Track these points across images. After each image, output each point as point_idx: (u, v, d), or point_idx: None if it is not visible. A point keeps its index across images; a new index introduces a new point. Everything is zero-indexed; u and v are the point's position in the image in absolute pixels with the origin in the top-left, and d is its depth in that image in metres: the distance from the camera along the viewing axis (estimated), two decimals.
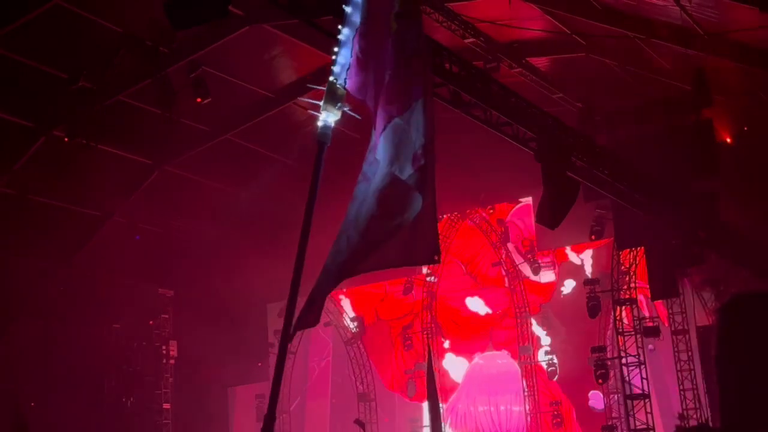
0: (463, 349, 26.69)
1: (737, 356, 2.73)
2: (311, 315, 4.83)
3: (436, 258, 5.05)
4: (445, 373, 26.54)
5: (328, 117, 4.99)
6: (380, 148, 4.98)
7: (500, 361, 23.38)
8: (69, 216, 21.00)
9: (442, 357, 26.76)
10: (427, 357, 17.29)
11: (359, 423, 13.60)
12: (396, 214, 4.81)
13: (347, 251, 4.84)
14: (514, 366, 24.39)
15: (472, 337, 26.85)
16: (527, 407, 23.16)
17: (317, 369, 28.62)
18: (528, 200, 25.33)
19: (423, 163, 4.82)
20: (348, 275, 4.90)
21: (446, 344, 26.99)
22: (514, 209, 26.54)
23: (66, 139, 17.77)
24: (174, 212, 22.58)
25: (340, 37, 5.06)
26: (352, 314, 28.00)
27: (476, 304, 27.12)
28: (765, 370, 2.66)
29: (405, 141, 4.90)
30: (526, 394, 24.44)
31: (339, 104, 5.00)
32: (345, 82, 5.02)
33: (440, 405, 16.19)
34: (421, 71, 5.09)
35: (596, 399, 24.63)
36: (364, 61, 5.09)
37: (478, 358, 24.45)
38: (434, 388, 16.05)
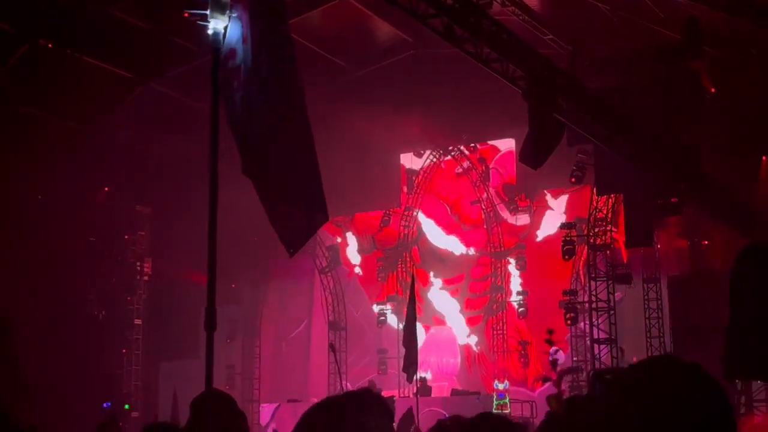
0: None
1: (757, 300, 2.73)
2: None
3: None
4: (430, 303, 27.21)
5: (216, 24, 5.20)
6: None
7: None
8: (50, 126, 20.79)
9: (426, 286, 27.21)
10: (410, 284, 17.36)
11: (332, 347, 13.84)
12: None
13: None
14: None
15: (451, 273, 27.18)
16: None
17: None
18: (511, 146, 25.33)
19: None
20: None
21: (431, 276, 27.45)
22: (498, 156, 26.55)
23: (50, 46, 17.55)
24: (156, 129, 22.39)
25: None
26: (327, 243, 28.06)
27: (453, 243, 27.29)
28: None
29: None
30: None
31: (226, 11, 5.18)
32: None
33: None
34: None
35: (558, 356, 24.96)
36: None
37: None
38: (413, 316, 16.15)
